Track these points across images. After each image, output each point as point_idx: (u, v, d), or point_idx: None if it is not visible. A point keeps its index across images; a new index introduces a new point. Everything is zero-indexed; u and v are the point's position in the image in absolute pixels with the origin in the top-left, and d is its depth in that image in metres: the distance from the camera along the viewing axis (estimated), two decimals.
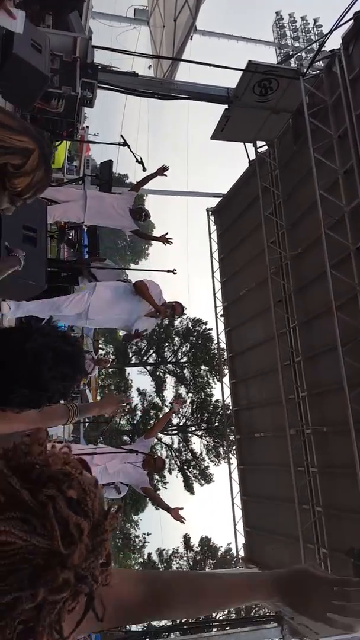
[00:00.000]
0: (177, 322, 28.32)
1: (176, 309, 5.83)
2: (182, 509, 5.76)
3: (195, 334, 28.13)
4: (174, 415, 25.29)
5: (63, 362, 1.53)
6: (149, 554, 28.68)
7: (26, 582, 0.76)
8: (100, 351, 27.13)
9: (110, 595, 0.97)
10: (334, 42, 7.37)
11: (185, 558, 26.99)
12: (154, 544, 29.57)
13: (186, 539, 27.08)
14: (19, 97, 5.05)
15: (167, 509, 5.90)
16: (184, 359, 28.58)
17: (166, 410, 27.99)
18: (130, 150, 7.05)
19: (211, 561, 26.38)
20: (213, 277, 10.63)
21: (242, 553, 9.25)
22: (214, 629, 6.65)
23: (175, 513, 5.80)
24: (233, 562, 21.67)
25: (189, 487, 27.00)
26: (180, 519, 5.80)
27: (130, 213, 6.21)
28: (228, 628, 7.23)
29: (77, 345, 1.63)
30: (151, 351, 29.49)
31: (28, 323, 1.58)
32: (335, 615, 1.04)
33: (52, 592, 0.77)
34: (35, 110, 5.88)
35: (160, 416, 22.90)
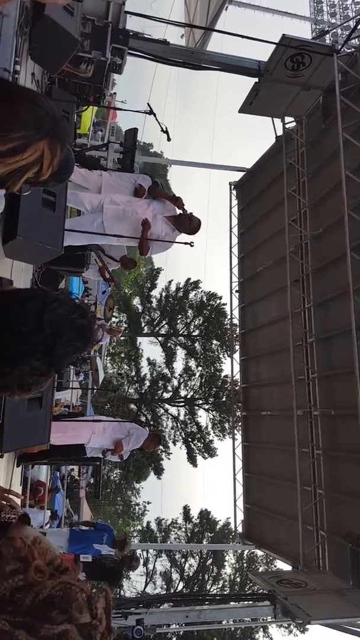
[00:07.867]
0: (191, 295, 28.35)
1: (192, 220, 5.23)
2: None
3: (209, 308, 28.12)
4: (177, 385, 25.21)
5: (77, 337, 1.50)
6: (148, 523, 29.19)
7: None
8: (113, 319, 27.32)
9: None
10: None
11: (183, 529, 27.39)
12: (154, 513, 30.10)
13: (186, 511, 27.43)
14: (48, 60, 4.99)
15: None
16: (196, 332, 28.64)
17: (175, 382, 28.28)
18: (156, 119, 6.93)
19: (209, 534, 26.73)
20: (231, 252, 10.58)
21: (240, 529, 9.39)
22: (207, 603, 6.78)
23: None
24: (230, 536, 22.04)
25: (192, 460, 27.34)
26: None
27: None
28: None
29: (91, 319, 1.61)
30: (164, 322, 29.58)
31: (44, 290, 1.56)
32: None
33: None
34: (63, 73, 5.81)
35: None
